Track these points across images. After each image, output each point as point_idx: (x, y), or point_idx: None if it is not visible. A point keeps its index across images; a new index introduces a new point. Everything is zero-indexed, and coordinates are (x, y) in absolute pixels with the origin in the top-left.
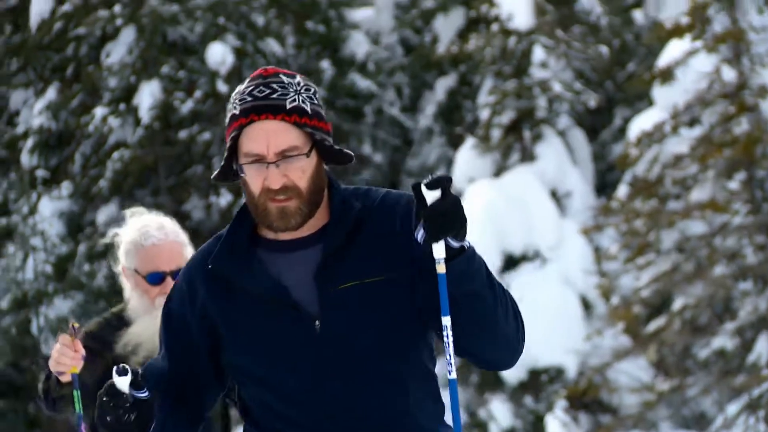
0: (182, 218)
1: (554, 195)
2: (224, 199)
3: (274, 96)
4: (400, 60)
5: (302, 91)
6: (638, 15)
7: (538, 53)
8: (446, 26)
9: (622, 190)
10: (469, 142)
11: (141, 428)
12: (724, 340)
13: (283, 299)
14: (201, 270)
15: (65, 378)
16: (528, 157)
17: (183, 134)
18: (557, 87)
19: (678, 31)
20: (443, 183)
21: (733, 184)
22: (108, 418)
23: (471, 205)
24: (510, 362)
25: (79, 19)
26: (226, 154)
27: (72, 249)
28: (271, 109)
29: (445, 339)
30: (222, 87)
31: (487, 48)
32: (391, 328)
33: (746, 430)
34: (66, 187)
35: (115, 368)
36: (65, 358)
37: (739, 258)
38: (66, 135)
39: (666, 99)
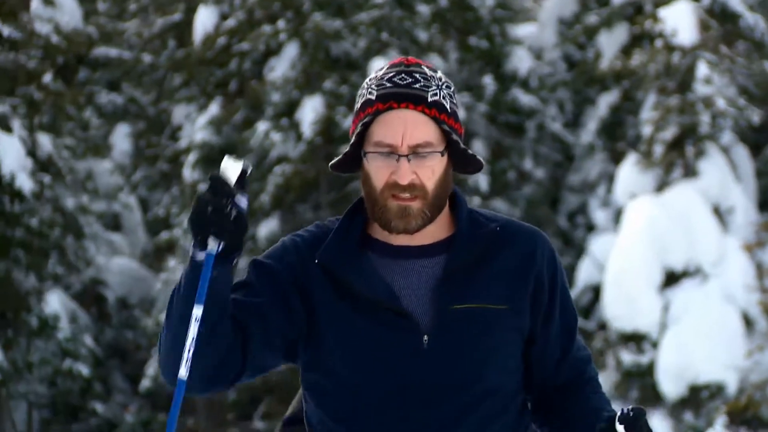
0: None
1: (716, 211)
2: None
3: (417, 86)
4: (563, 75)
5: (443, 87)
6: None
7: (702, 69)
8: (610, 42)
9: None
10: (632, 158)
11: (236, 237)
12: None
13: (394, 307)
14: (310, 255)
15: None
16: (690, 173)
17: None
18: (721, 103)
19: None
20: (641, 423)
21: None
22: (208, 208)
23: (632, 222)
24: None
25: (242, 35)
26: (353, 140)
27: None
28: (412, 98)
29: None
30: None
31: (650, 64)
32: (501, 360)
33: None
34: None
35: (226, 156)
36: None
37: None
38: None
39: None
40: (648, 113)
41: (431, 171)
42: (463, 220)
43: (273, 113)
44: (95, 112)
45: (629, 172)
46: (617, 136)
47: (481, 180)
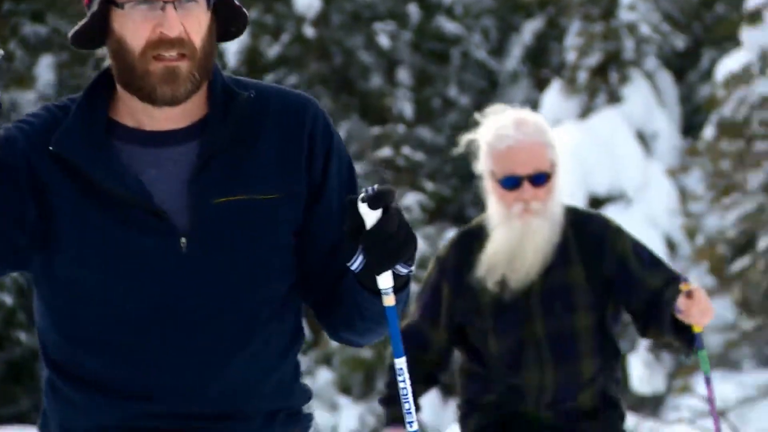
0: None
1: (640, 137)
2: None
3: None
4: (488, 3)
5: None
6: None
7: None
8: None
9: (709, 132)
10: (556, 85)
11: None
12: None
13: (144, 204)
14: (42, 143)
15: None
16: (614, 99)
17: (269, 78)
18: (645, 29)
19: None
20: (386, 199)
21: None
22: None
23: (558, 147)
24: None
25: None
26: (94, 5)
27: None
28: None
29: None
30: (309, 31)
31: None
32: (277, 261)
33: None
34: None
35: None
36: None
37: None
38: None
39: (754, 41)
40: (572, 40)
41: (198, 23)
42: (218, 95)
43: None
44: (19, 44)
45: (554, 99)
46: (542, 63)
47: (406, 107)
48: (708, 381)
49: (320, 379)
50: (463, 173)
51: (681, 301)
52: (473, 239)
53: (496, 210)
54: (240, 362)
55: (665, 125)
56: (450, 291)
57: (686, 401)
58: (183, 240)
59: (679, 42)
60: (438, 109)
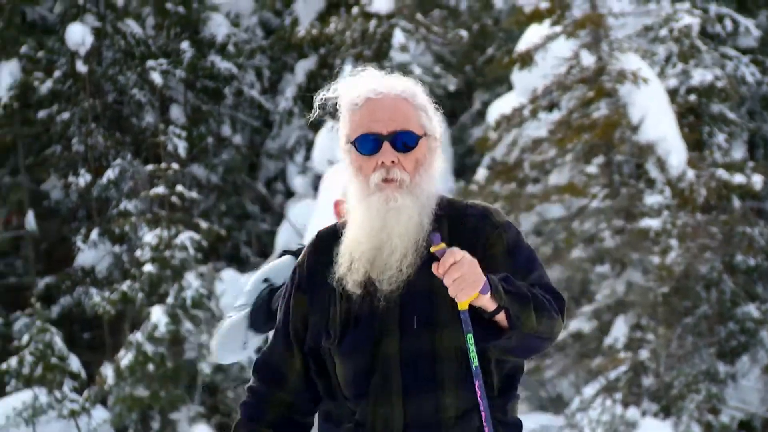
0: (41, 198)
1: None
2: (83, 178)
3: None
4: (260, 42)
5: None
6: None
7: (399, 37)
8: (306, 8)
9: (481, 174)
10: (329, 125)
11: None
12: (581, 323)
13: None
14: None
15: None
16: None
17: (42, 114)
18: (417, 70)
19: (537, 16)
20: None
21: (592, 168)
22: None
23: (331, 188)
24: None
25: None
26: None
27: None
28: None
29: None
30: (81, 67)
31: (347, 31)
32: None
33: (603, 411)
34: None
35: None
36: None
37: (597, 241)
38: None
39: (525, 83)
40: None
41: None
42: None
43: None
44: None
45: (326, 139)
46: (314, 103)
47: (180, 145)
48: (475, 375)
49: (97, 417)
50: (237, 212)
51: (433, 267)
52: (333, 238)
53: (354, 187)
54: None
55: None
56: (304, 303)
57: None
58: None
59: (451, 84)
60: (211, 147)
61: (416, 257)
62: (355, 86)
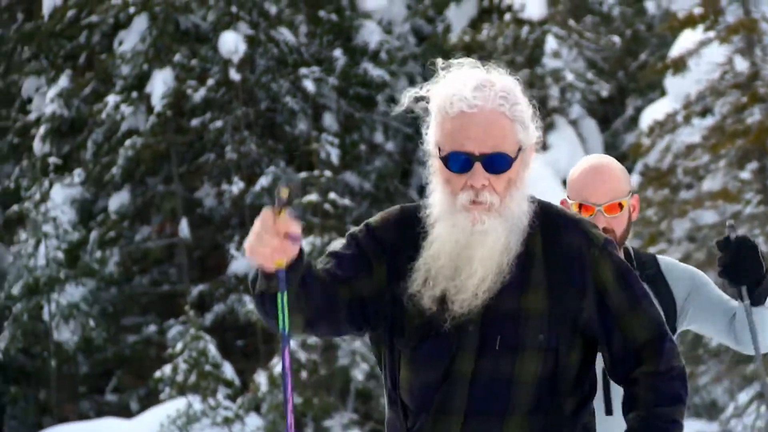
0: (194, 205)
1: (566, 184)
2: (236, 186)
3: None
4: (413, 49)
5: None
6: (651, 5)
7: (551, 43)
8: (459, 15)
9: (634, 180)
10: None
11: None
12: None
13: None
14: None
15: (269, 268)
16: (540, 146)
17: (195, 122)
18: (570, 76)
19: (691, 21)
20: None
21: (745, 174)
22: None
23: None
24: None
25: (92, 7)
26: None
27: (83, 236)
28: None
29: None
30: (234, 75)
31: (499, 38)
32: None
33: (757, 418)
34: (78, 174)
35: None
36: (261, 244)
37: None
38: (78, 122)
39: (678, 89)
40: None
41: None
42: None
43: (123, 86)
44: None
45: None
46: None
47: (333, 153)
48: (284, 339)
49: (251, 425)
50: None
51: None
52: (416, 221)
53: (439, 197)
54: None
55: None
56: (382, 274)
57: None
58: None
59: (604, 90)
60: (364, 154)
61: (497, 282)
62: (449, 89)
